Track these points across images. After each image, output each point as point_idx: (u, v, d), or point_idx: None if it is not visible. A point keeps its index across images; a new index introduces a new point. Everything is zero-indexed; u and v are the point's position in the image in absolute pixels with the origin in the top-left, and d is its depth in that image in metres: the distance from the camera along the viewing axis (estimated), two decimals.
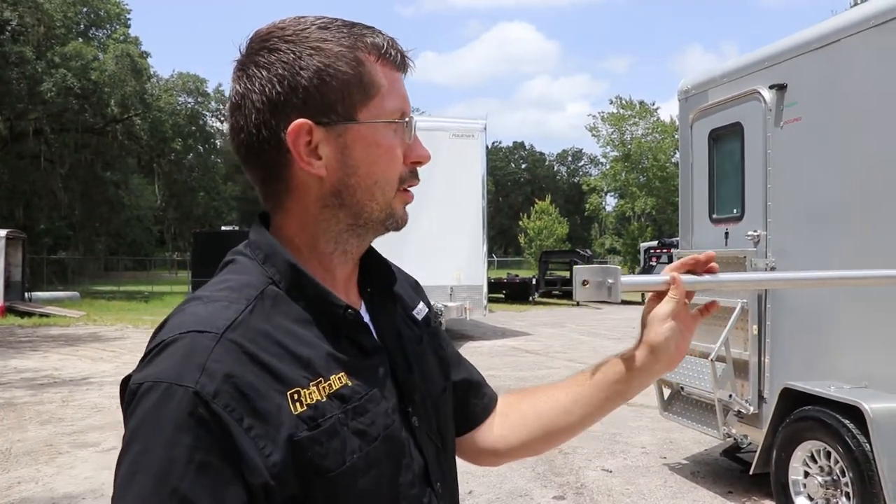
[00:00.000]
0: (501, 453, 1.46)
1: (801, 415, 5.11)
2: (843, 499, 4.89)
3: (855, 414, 4.68)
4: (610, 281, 1.28)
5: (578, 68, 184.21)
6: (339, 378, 1.08)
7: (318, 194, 1.13)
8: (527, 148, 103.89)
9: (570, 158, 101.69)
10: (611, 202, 63.00)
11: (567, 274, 32.67)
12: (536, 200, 53.33)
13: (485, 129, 17.20)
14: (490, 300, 19.35)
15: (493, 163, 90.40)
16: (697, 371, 6.25)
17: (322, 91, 1.09)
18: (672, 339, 1.30)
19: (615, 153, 57.41)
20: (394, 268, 1.33)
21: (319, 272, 1.16)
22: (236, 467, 0.95)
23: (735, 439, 6.34)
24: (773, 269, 5.74)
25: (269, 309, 1.07)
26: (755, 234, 5.90)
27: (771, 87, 5.80)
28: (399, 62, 1.17)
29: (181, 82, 50.44)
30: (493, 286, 28.79)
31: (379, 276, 1.29)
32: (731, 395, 5.92)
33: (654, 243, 35.70)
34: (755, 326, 5.86)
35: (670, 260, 25.75)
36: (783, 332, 5.71)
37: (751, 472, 5.79)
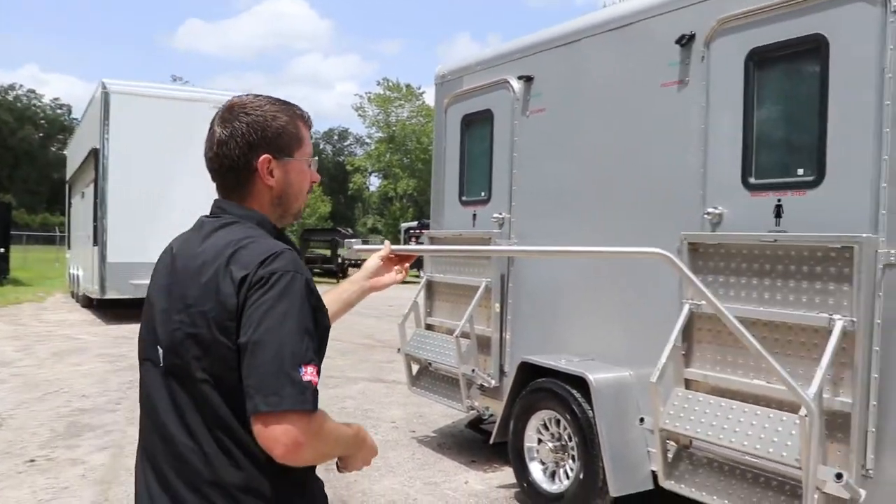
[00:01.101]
0: None
1: (535, 386, 5.50)
2: (570, 461, 5.32)
3: (581, 384, 5.11)
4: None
5: (350, 48, 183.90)
6: None
7: (269, 197, 2.02)
8: None
9: (336, 137, 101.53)
10: (374, 182, 63.74)
11: (328, 252, 32.71)
12: None
13: None
14: None
15: None
16: (444, 347, 6.52)
17: (279, 139, 1.99)
18: (376, 267, 2.66)
19: (380, 134, 58.12)
20: None
21: None
22: (319, 317, 1.86)
23: (478, 411, 6.70)
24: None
25: None
26: (500, 216, 6.23)
27: (520, 78, 6.13)
28: (310, 125, 2.10)
29: None
30: None
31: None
32: (474, 370, 6.22)
33: (415, 224, 36.60)
34: (497, 305, 6.21)
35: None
36: (523, 310, 6.10)
37: (491, 442, 6.14)
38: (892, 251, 3.85)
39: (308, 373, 1.72)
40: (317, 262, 32.44)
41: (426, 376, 7.02)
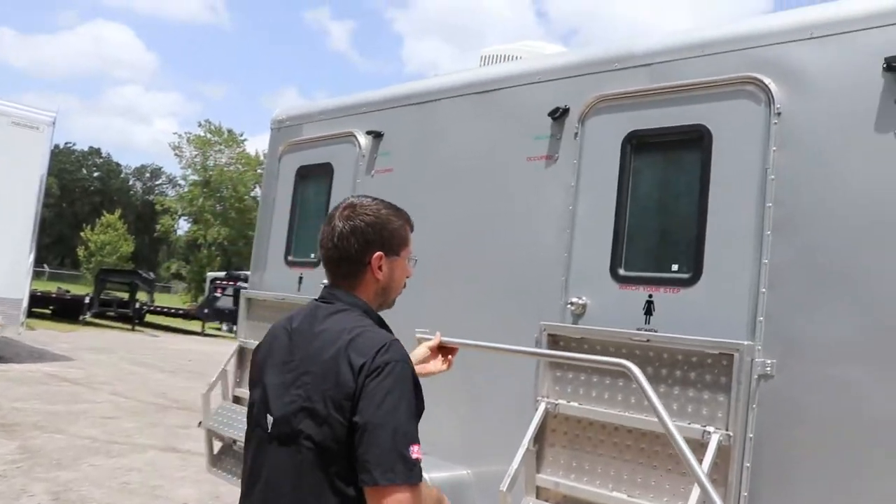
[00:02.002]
0: None
1: None
2: None
3: None
4: None
5: (173, 85, 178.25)
6: None
7: (376, 287, 2.41)
8: (103, 155, 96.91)
9: (148, 175, 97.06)
10: (184, 226, 60.90)
11: (125, 295, 30.34)
12: (105, 213, 49.63)
13: (54, 123, 15.32)
14: (33, 315, 17.02)
15: (62, 164, 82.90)
16: None
17: (392, 240, 2.40)
18: (424, 356, 3.08)
19: (195, 177, 55.85)
20: None
21: None
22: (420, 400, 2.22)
23: None
24: None
25: None
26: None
27: (368, 133, 5.55)
28: (413, 227, 2.52)
29: None
30: (39, 300, 25.66)
31: None
32: None
33: (222, 274, 34.94)
34: None
35: (236, 293, 25.43)
36: None
37: None
38: (769, 361, 3.54)
39: (416, 451, 2.09)
40: (112, 305, 29.70)
41: (230, 456, 6.09)
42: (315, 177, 5.96)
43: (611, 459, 3.88)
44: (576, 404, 3.99)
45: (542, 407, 4.07)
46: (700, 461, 3.41)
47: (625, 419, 3.83)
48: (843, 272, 3.42)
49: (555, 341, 4.14)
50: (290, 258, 6.05)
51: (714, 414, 3.59)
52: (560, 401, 4.05)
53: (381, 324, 2.37)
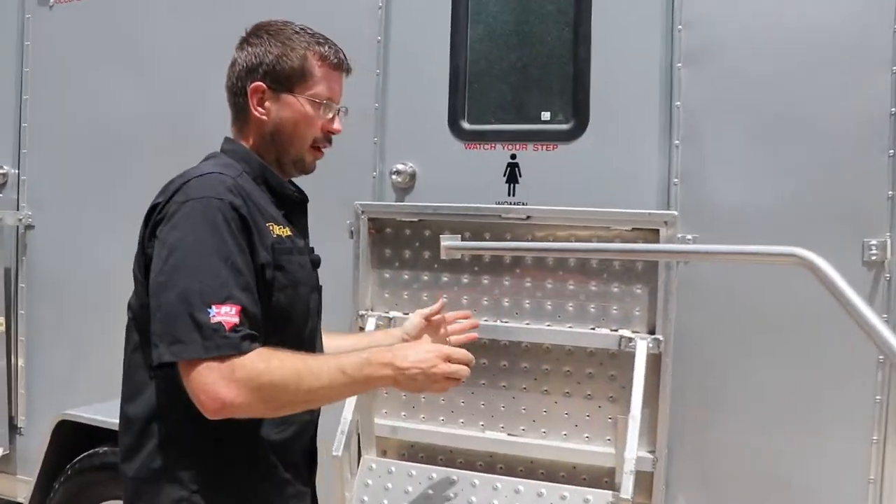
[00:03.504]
0: None
1: (91, 462, 3.27)
2: None
3: None
4: None
5: None
6: (288, 230, 1.80)
7: (262, 131, 1.87)
8: None
9: None
10: None
11: None
12: None
13: None
14: None
15: None
16: None
17: (276, 69, 1.84)
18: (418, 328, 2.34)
19: None
20: None
21: None
22: (251, 250, 1.65)
23: None
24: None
25: (246, 181, 1.77)
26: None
27: None
28: (336, 65, 1.91)
29: None
30: None
31: (299, 196, 1.97)
32: None
33: None
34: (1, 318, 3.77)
35: None
36: (53, 324, 3.75)
37: None
38: (689, 237, 2.64)
39: (221, 313, 1.55)
40: None
41: None
42: None
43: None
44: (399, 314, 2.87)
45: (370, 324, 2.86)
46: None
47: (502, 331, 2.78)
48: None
49: (379, 228, 2.91)
50: None
51: (631, 315, 2.65)
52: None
53: (266, 177, 1.86)
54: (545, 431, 2.75)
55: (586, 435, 2.71)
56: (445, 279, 2.84)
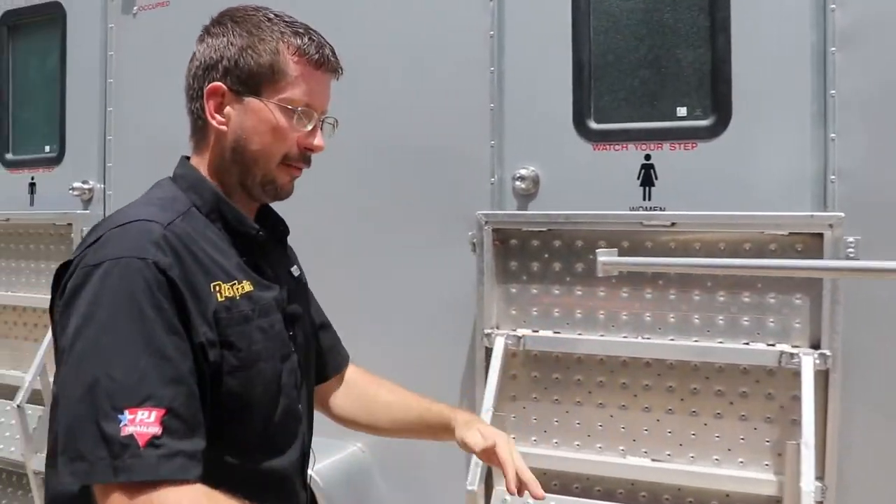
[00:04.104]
0: (335, 416, 1.87)
1: None
2: None
3: None
4: None
5: None
6: (249, 284, 1.42)
7: (222, 146, 1.46)
8: None
9: None
10: None
11: None
12: None
13: None
14: None
15: None
16: None
17: (239, 66, 1.43)
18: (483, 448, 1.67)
19: None
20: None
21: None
22: (186, 327, 1.27)
23: None
24: None
25: (193, 222, 1.40)
26: (84, 187, 3.65)
27: None
28: (319, 62, 1.46)
29: None
30: None
31: (275, 227, 1.62)
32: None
33: None
34: None
35: None
36: None
37: None
38: (851, 239, 2.39)
39: (136, 421, 1.16)
40: None
41: None
42: (35, 27, 3.86)
43: None
44: None
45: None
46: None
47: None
48: None
49: (503, 239, 2.70)
50: (8, 156, 3.96)
51: (790, 328, 2.41)
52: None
53: (221, 211, 1.47)
54: (693, 456, 2.52)
55: (741, 460, 2.48)
56: (579, 293, 2.61)
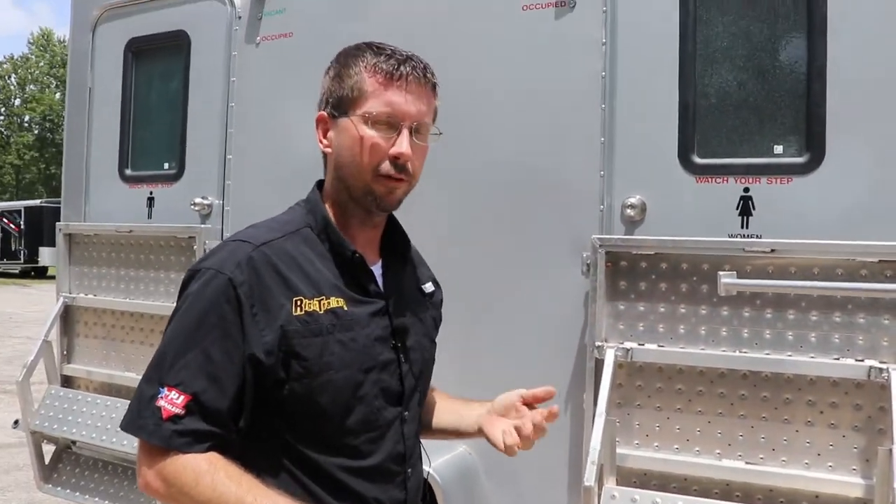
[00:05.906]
0: None
1: None
2: None
3: None
4: None
5: None
6: (337, 301, 1.58)
7: (331, 167, 1.68)
8: None
9: None
10: None
11: None
12: None
13: None
14: None
15: None
16: (101, 415, 4.04)
17: (333, 93, 1.65)
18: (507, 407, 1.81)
19: None
20: (413, 249, 1.86)
21: (341, 225, 1.68)
22: (240, 337, 1.50)
23: None
24: None
25: (299, 242, 1.62)
26: (204, 202, 3.96)
27: None
28: (394, 75, 1.59)
29: None
30: None
31: (395, 243, 1.79)
32: None
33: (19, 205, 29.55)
34: None
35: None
36: None
37: None
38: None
39: (167, 398, 1.47)
40: None
41: (70, 464, 4.32)
42: (159, 53, 4.20)
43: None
44: None
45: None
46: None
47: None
48: None
49: (613, 261, 2.99)
50: (127, 171, 4.29)
51: (878, 346, 2.68)
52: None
53: (328, 232, 1.67)
54: (785, 460, 2.79)
55: (830, 464, 2.74)
56: (682, 311, 2.90)
